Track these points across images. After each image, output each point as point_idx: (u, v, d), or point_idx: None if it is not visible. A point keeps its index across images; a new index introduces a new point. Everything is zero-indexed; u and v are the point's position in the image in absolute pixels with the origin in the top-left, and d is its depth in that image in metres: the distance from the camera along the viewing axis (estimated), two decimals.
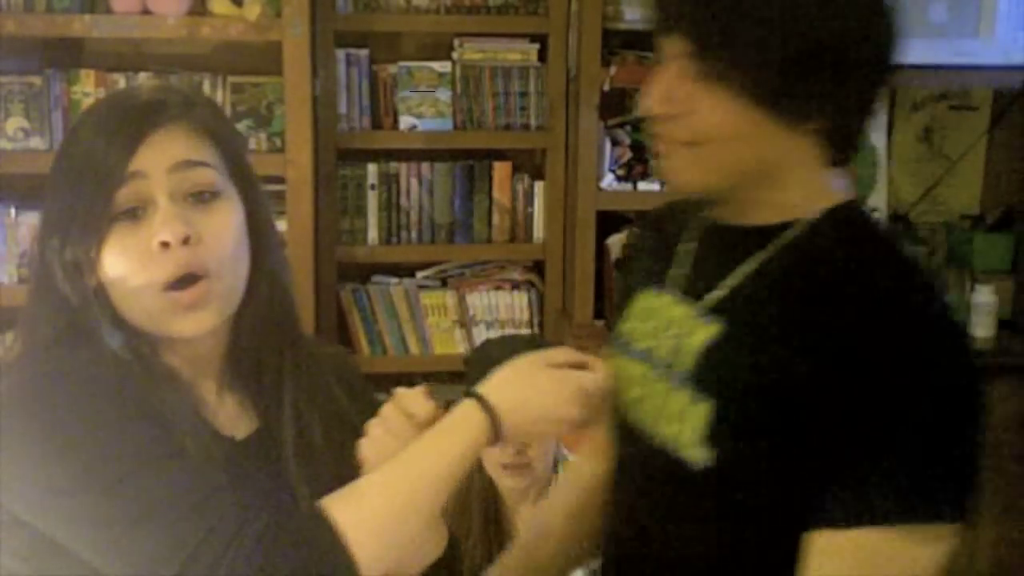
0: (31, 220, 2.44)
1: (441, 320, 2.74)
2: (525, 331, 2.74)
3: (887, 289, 1.01)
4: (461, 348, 2.71)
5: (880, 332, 0.98)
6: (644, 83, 1.08)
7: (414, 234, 2.72)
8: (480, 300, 2.75)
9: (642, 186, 2.66)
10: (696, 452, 1.05)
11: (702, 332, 1.09)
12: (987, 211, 2.99)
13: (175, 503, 1.02)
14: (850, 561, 0.97)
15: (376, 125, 2.68)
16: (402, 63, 2.66)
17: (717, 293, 1.09)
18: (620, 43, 2.63)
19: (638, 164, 2.68)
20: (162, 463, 1.04)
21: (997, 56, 2.69)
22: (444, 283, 2.77)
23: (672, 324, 1.13)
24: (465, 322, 2.74)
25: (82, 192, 1.10)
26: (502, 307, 2.75)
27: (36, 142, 2.45)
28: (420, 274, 2.77)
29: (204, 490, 1.04)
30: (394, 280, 2.75)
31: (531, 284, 2.77)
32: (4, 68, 2.45)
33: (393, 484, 1.07)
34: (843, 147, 1.08)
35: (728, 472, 1.05)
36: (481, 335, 2.72)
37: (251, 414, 1.22)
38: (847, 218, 1.08)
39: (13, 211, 2.46)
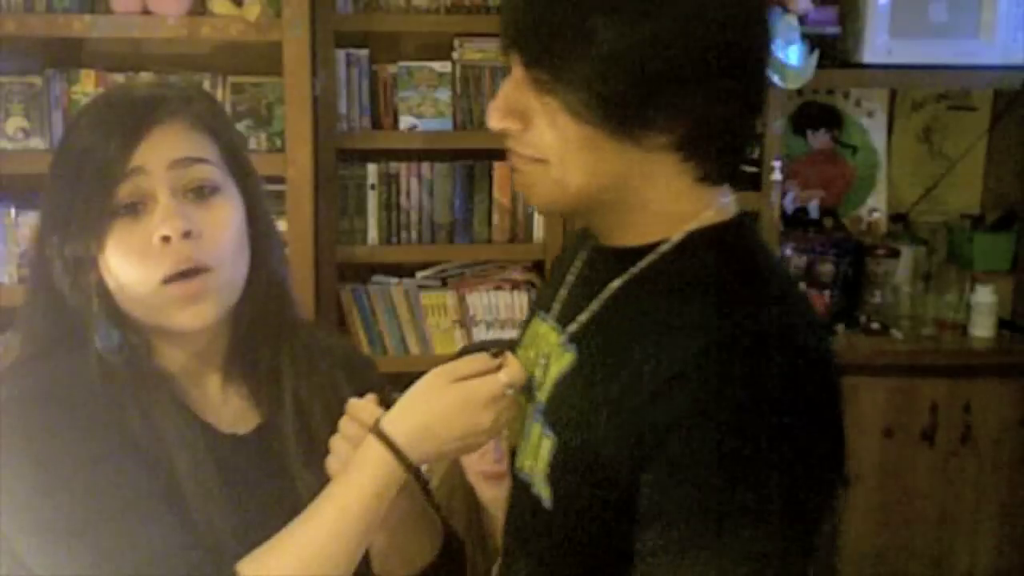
0: (31, 220, 2.43)
1: (441, 320, 2.74)
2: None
3: (730, 327, 0.92)
4: None
5: (712, 375, 0.89)
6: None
7: (414, 234, 2.72)
8: (480, 300, 2.74)
9: None
10: (543, 490, 1.01)
11: (559, 362, 1.04)
12: (987, 211, 2.99)
13: (125, 562, 1.03)
14: None
15: (376, 125, 2.68)
16: (402, 63, 2.66)
17: (579, 319, 1.04)
18: None
19: None
20: (121, 518, 1.04)
21: (997, 56, 2.69)
22: (444, 283, 2.77)
23: (543, 353, 1.08)
24: (465, 322, 2.74)
25: (81, 188, 1.10)
26: (502, 307, 2.75)
27: (36, 142, 2.45)
28: (420, 274, 2.77)
29: (158, 545, 1.04)
30: (394, 280, 2.75)
31: (531, 284, 2.77)
32: (4, 68, 2.45)
33: (301, 539, 1.06)
34: (715, 162, 0.99)
35: (562, 514, 0.99)
36: (481, 335, 2.72)
37: (255, 409, 1.22)
38: (710, 241, 0.99)
39: (13, 211, 2.46)
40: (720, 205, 1.02)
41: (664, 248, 1.00)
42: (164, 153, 1.11)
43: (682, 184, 0.99)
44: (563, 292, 1.11)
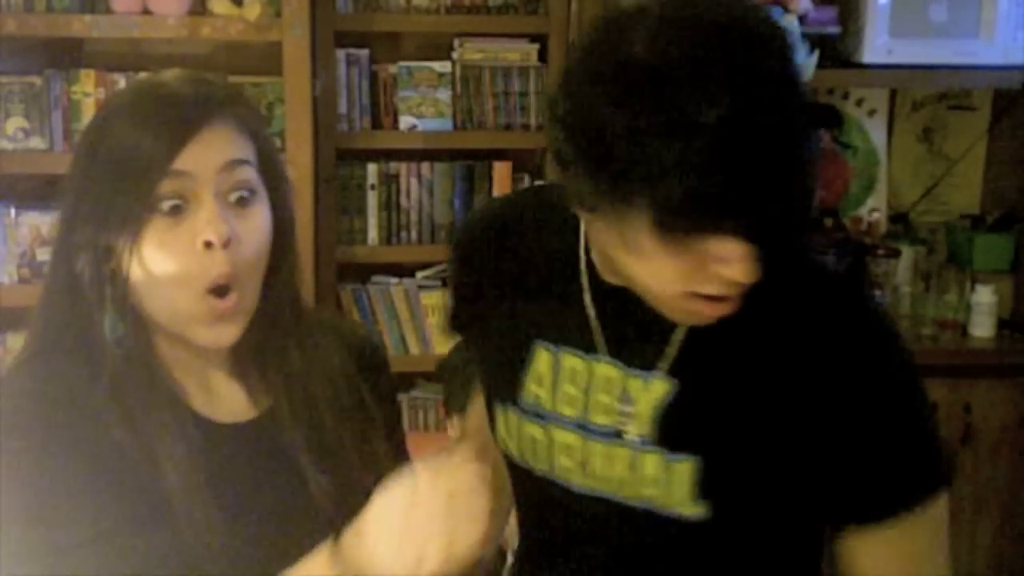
0: (31, 220, 2.44)
1: (441, 320, 2.73)
2: None
3: (865, 316, 1.06)
4: None
5: (842, 362, 1.02)
6: None
7: (414, 234, 2.72)
8: None
9: None
10: (688, 508, 1.04)
11: (649, 392, 1.05)
12: (987, 211, 2.99)
13: None
14: (902, 543, 1.09)
15: (376, 125, 2.68)
16: (402, 63, 2.66)
17: (669, 350, 1.04)
18: None
19: None
20: (108, 540, 1.04)
21: (997, 56, 2.69)
22: (444, 283, 2.77)
23: (600, 387, 1.07)
24: None
25: (125, 183, 1.07)
26: None
27: (36, 142, 2.45)
28: (420, 274, 2.77)
29: (146, 562, 1.04)
30: (394, 280, 2.75)
31: None
32: (4, 68, 2.45)
33: None
34: None
35: (727, 521, 1.04)
36: None
37: (260, 396, 1.21)
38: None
39: (13, 211, 2.46)
40: None
41: None
42: (213, 156, 1.09)
43: None
44: (609, 330, 1.07)
